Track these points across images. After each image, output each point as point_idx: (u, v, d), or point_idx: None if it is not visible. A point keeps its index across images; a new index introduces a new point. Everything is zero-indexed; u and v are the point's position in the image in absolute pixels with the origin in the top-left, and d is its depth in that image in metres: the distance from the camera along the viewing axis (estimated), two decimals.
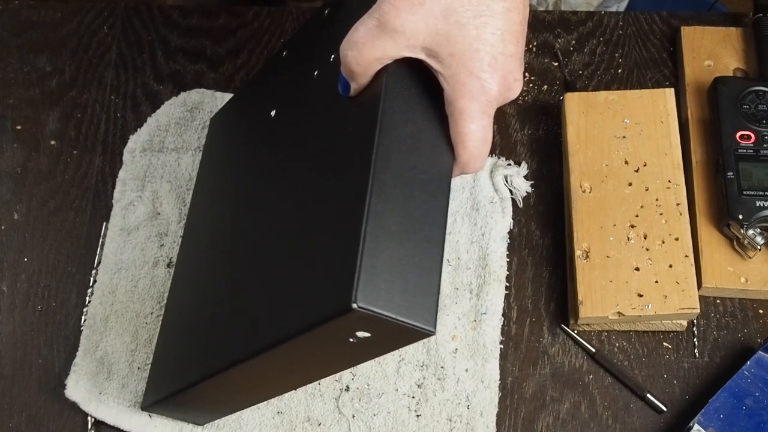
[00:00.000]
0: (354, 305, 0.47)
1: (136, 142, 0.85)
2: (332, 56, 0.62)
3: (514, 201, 0.81)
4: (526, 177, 0.82)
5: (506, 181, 0.81)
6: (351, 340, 0.52)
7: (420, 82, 0.55)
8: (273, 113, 0.69)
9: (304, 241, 0.55)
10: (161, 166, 0.84)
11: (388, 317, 0.49)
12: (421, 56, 0.53)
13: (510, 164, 0.82)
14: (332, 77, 0.58)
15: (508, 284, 0.78)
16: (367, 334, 0.51)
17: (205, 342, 0.64)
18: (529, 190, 0.82)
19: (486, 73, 0.52)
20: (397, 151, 0.52)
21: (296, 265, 0.55)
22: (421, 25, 0.52)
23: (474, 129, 0.53)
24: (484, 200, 0.80)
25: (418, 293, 0.50)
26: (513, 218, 0.81)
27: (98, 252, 0.81)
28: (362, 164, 0.52)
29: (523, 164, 0.82)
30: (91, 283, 0.80)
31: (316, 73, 0.64)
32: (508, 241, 0.79)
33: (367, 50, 0.53)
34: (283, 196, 0.62)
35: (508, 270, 0.79)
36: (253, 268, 0.61)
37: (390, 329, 0.50)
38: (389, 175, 0.52)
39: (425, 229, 0.52)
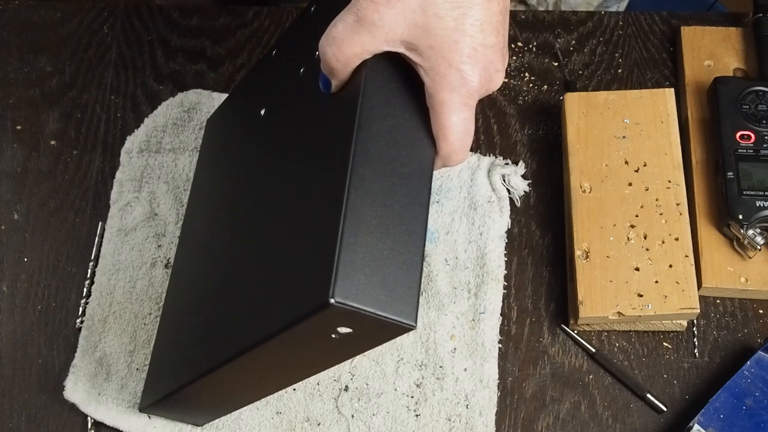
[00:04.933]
0: (331, 300, 0.47)
1: (133, 142, 0.85)
2: (317, 52, 0.61)
3: (512, 200, 0.81)
4: (524, 176, 0.82)
5: (504, 181, 0.81)
6: (333, 336, 0.52)
7: (400, 76, 0.55)
8: (263, 112, 0.69)
9: (286, 239, 0.55)
10: (158, 167, 0.84)
11: (367, 312, 0.48)
12: (401, 50, 0.53)
13: (507, 163, 0.82)
14: (318, 73, 0.58)
15: (507, 284, 0.78)
16: (348, 330, 0.51)
17: (198, 342, 0.64)
18: (527, 189, 0.82)
19: (466, 64, 0.52)
20: (376, 144, 0.52)
21: (279, 263, 0.55)
22: (399, 18, 0.51)
23: (455, 121, 0.53)
24: (481, 200, 0.80)
25: (398, 287, 0.50)
26: (513, 218, 0.81)
27: (94, 252, 0.81)
28: (341, 159, 0.52)
29: (521, 163, 0.82)
30: (87, 284, 0.80)
31: (302, 69, 0.64)
32: (507, 241, 0.79)
33: (345, 46, 0.53)
34: (269, 195, 0.62)
35: (508, 270, 0.79)
36: (241, 267, 0.61)
37: (370, 324, 0.50)
38: (368, 169, 0.51)
39: (406, 222, 0.51)
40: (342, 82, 0.55)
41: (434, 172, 0.55)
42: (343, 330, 0.51)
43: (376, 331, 0.51)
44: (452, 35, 0.51)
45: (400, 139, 0.53)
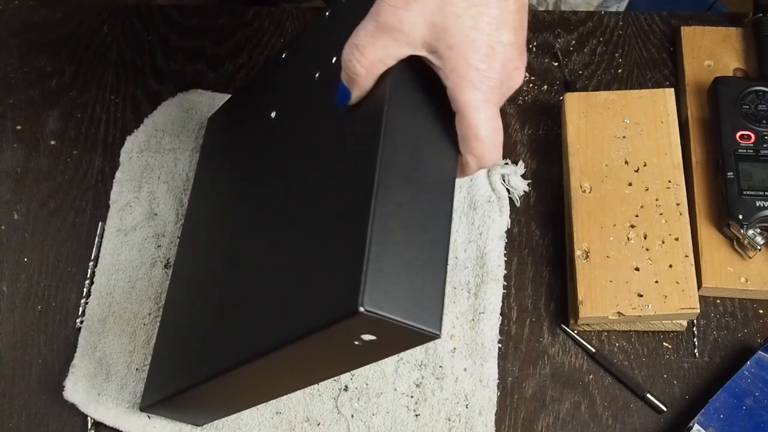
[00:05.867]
0: (361, 308, 0.47)
1: (133, 143, 0.85)
2: (334, 58, 0.61)
3: (511, 200, 0.81)
4: (523, 176, 0.82)
5: (503, 180, 0.81)
6: (356, 342, 0.52)
7: (422, 86, 0.55)
8: (273, 114, 0.69)
9: (309, 244, 0.55)
10: (158, 167, 0.83)
11: (394, 320, 0.49)
12: (422, 52, 0.53)
13: (507, 163, 0.82)
14: (334, 79, 0.58)
15: (507, 284, 0.78)
16: (372, 337, 0.51)
17: (207, 343, 0.64)
18: (527, 189, 0.82)
19: (483, 63, 0.52)
20: (401, 154, 0.53)
21: (301, 268, 0.55)
22: (418, 19, 0.52)
23: (483, 119, 0.53)
24: (481, 199, 0.80)
25: (423, 296, 0.50)
26: (513, 218, 0.81)
27: (94, 252, 0.81)
28: (367, 167, 0.52)
29: (520, 163, 0.82)
30: (87, 284, 0.80)
31: (317, 74, 0.64)
32: (506, 240, 0.79)
33: (369, 51, 0.53)
34: (285, 198, 0.62)
35: (508, 270, 0.79)
36: (255, 270, 0.61)
37: (395, 332, 0.50)
38: (394, 179, 0.52)
39: (430, 232, 0.52)
40: (363, 92, 0.55)
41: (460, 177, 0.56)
42: (367, 337, 0.51)
43: (399, 339, 0.52)
44: (470, 34, 0.52)
45: (423, 149, 0.54)
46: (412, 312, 0.49)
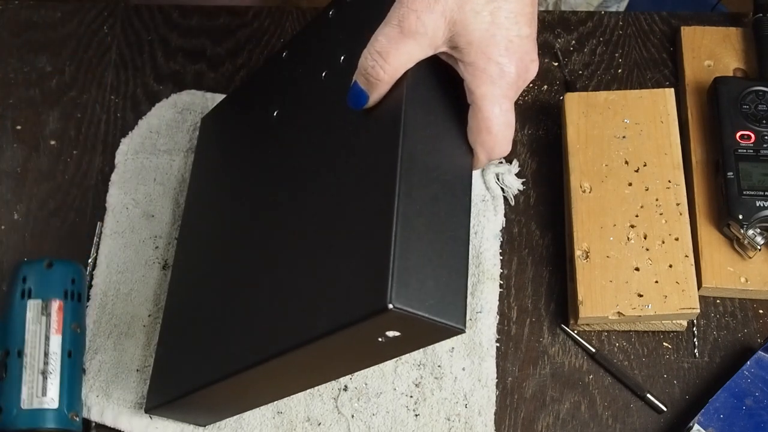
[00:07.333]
0: (390, 305, 0.48)
1: (128, 144, 0.85)
2: (342, 57, 0.61)
3: (506, 199, 0.81)
4: (519, 175, 0.82)
5: (498, 179, 0.81)
6: (380, 339, 0.52)
7: (438, 81, 0.56)
8: (275, 113, 0.69)
9: (329, 243, 0.56)
10: (153, 168, 0.83)
11: (422, 317, 0.49)
12: (443, 49, 0.54)
13: (501, 162, 0.82)
14: (342, 78, 0.58)
15: (507, 284, 0.78)
16: (397, 334, 0.52)
17: (218, 342, 0.63)
18: (521, 187, 0.81)
19: (504, 57, 0.53)
20: (421, 152, 0.53)
21: (323, 267, 0.55)
22: (440, 21, 0.53)
23: (497, 113, 0.54)
24: (475, 198, 0.79)
25: (447, 292, 0.51)
26: (513, 218, 0.81)
27: (93, 254, 0.81)
28: (388, 166, 0.52)
29: (514, 161, 0.82)
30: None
31: (324, 73, 0.64)
32: (501, 239, 0.79)
33: (392, 58, 0.54)
34: (294, 197, 0.62)
35: (508, 270, 0.79)
36: (270, 270, 0.61)
37: (421, 328, 0.51)
38: (415, 176, 0.52)
39: (451, 229, 0.53)
40: (381, 96, 0.56)
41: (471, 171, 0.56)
42: (391, 333, 0.52)
43: (424, 335, 0.53)
44: (489, 29, 0.53)
45: (442, 146, 0.55)
46: (438, 308, 0.50)
